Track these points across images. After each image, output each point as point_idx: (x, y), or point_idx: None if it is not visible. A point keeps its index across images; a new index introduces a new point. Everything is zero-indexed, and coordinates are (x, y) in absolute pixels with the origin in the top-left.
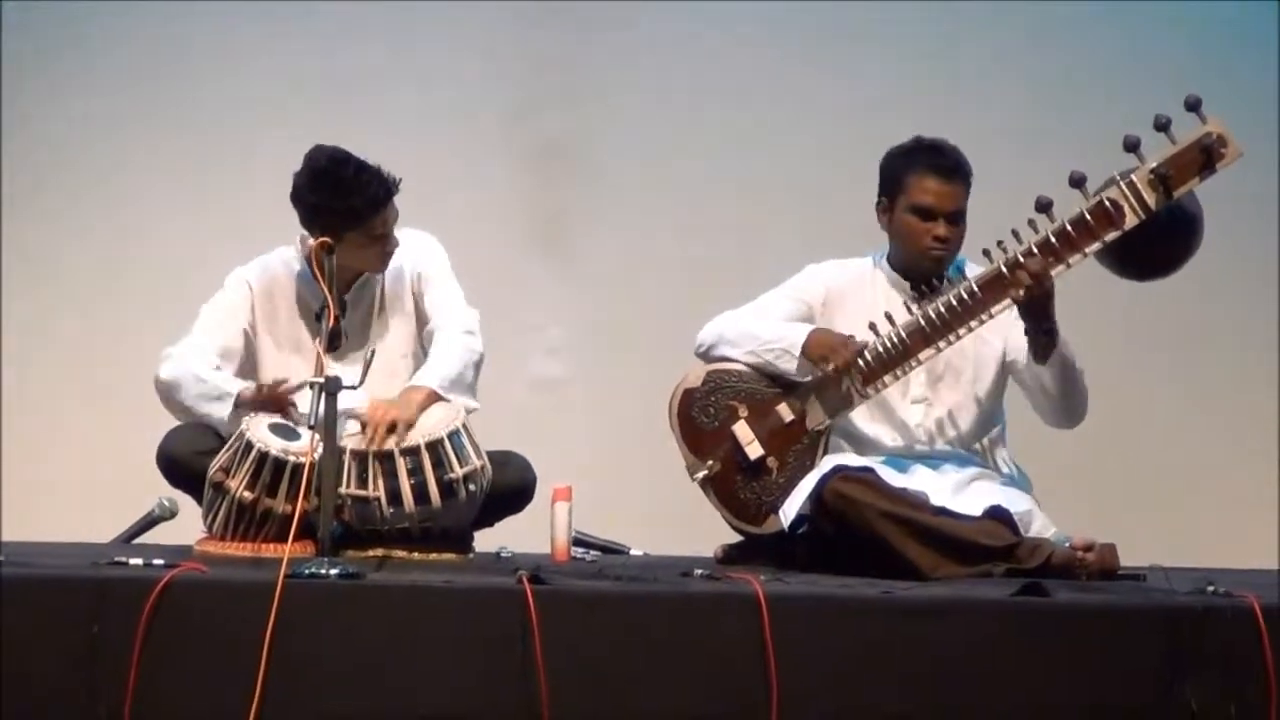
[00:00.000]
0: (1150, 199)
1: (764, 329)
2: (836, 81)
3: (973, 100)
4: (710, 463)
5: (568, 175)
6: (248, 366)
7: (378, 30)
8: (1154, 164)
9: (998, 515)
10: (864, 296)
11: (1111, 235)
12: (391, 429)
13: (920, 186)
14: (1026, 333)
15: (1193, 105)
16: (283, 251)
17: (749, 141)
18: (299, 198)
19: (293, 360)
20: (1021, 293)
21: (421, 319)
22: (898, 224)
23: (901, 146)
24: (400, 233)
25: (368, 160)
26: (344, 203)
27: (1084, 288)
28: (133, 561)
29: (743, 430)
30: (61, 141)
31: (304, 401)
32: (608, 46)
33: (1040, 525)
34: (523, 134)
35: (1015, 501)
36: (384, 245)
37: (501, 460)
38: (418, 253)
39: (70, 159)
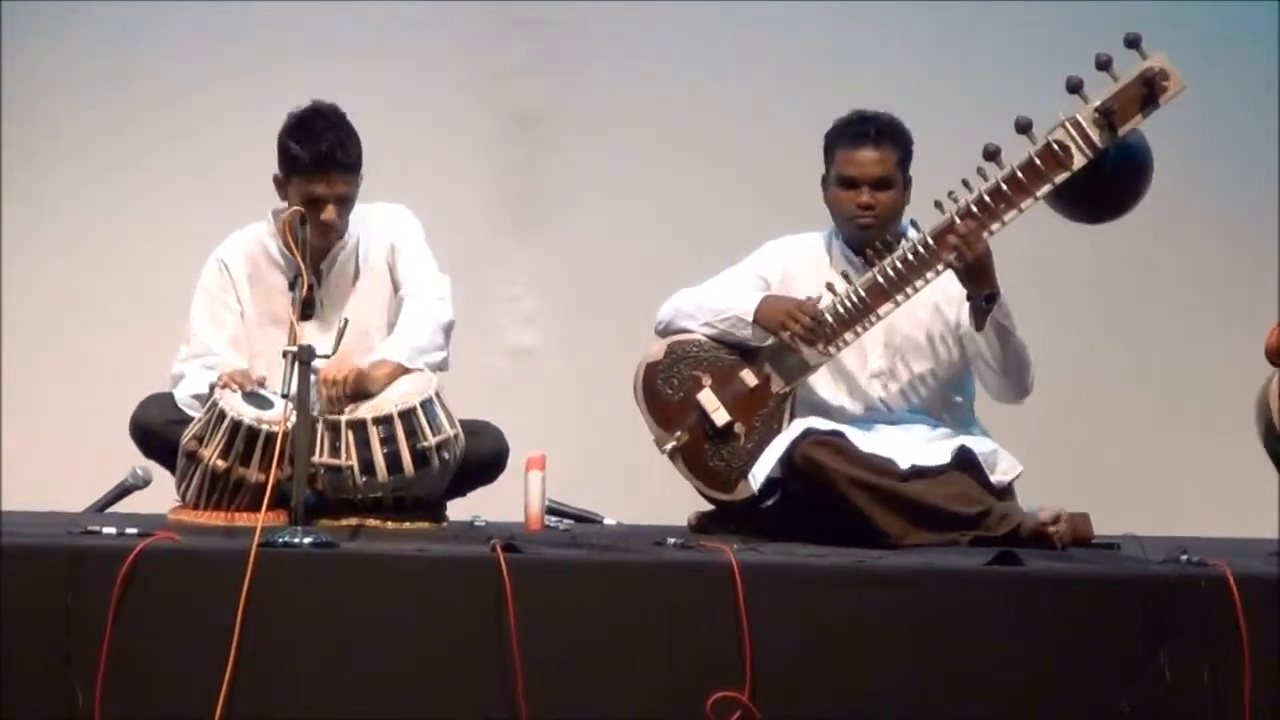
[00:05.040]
0: (1096, 137)
1: (718, 299)
2: (817, 49)
3: (958, 85)
4: (678, 434)
5: (542, 144)
6: None
7: None
8: (1098, 102)
9: (964, 457)
10: (818, 271)
11: (1061, 177)
12: (344, 387)
13: (844, 158)
14: (968, 297)
15: (1132, 42)
16: (255, 227)
17: (727, 110)
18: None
19: (271, 332)
20: (953, 257)
21: (394, 289)
22: (830, 197)
23: (837, 121)
24: (373, 206)
25: (351, 129)
26: (294, 144)
27: (1055, 253)
28: (106, 530)
29: (708, 398)
30: (46, 116)
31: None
32: (583, 13)
33: (1007, 465)
34: (496, 102)
35: (979, 444)
36: (319, 212)
37: (475, 430)
38: (392, 224)
39: (51, 134)
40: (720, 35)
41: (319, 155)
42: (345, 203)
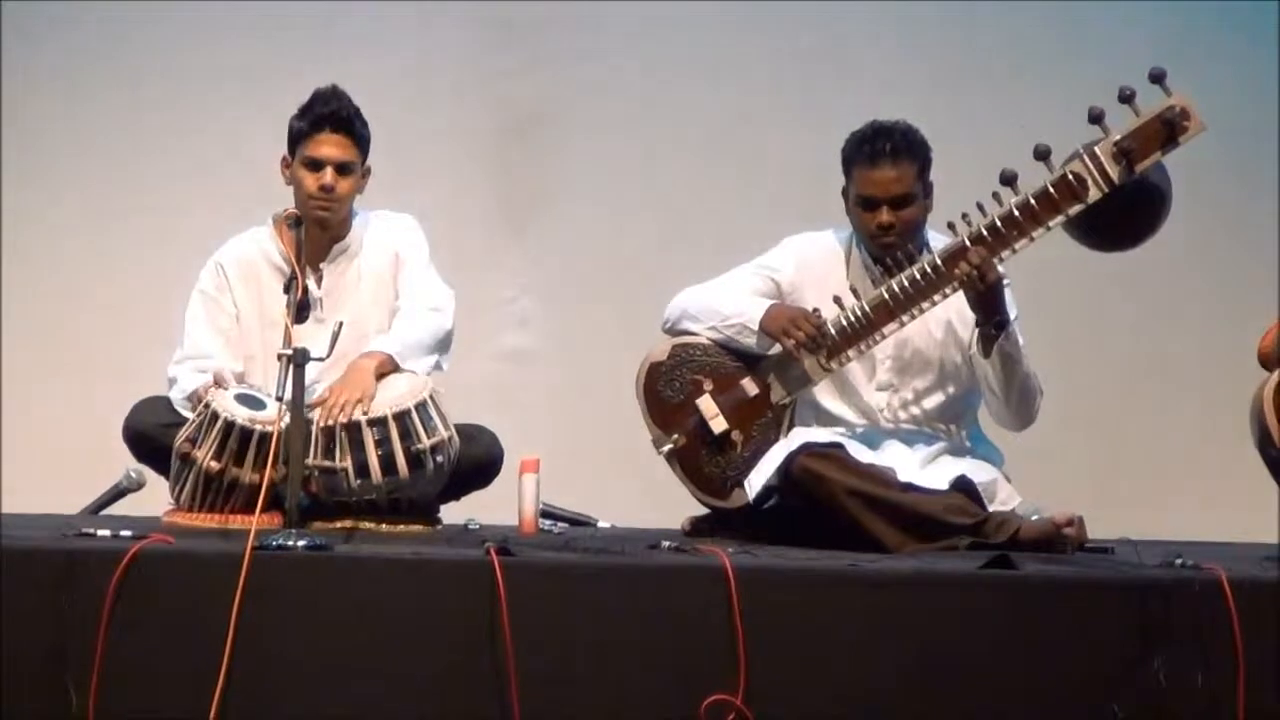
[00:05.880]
0: (1113, 172)
1: (725, 304)
2: (814, 50)
3: (958, 84)
4: (675, 436)
5: (538, 145)
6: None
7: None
8: (1117, 137)
9: (963, 486)
10: (832, 277)
11: (1075, 208)
12: (354, 406)
13: (862, 178)
14: (976, 324)
15: (1156, 77)
16: (255, 231)
17: (724, 113)
18: None
19: (269, 335)
20: (966, 285)
21: (396, 297)
22: (851, 213)
23: (853, 135)
24: (379, 212)
25: (358, 108)
26: (299, 114)
27: (1052, 254)
28: (100, 533)
29: (707, 404)
30: (46, 118)
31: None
32: (579, 16)
33: (1005, 495)
34: (493, 104)
35: (979, 472)
36: (318, 180)
37: (469, 434)
38: (399, 233)
39: (51, 137)
40: (718, 37)
41: (320, 115)
42: (346, 172)
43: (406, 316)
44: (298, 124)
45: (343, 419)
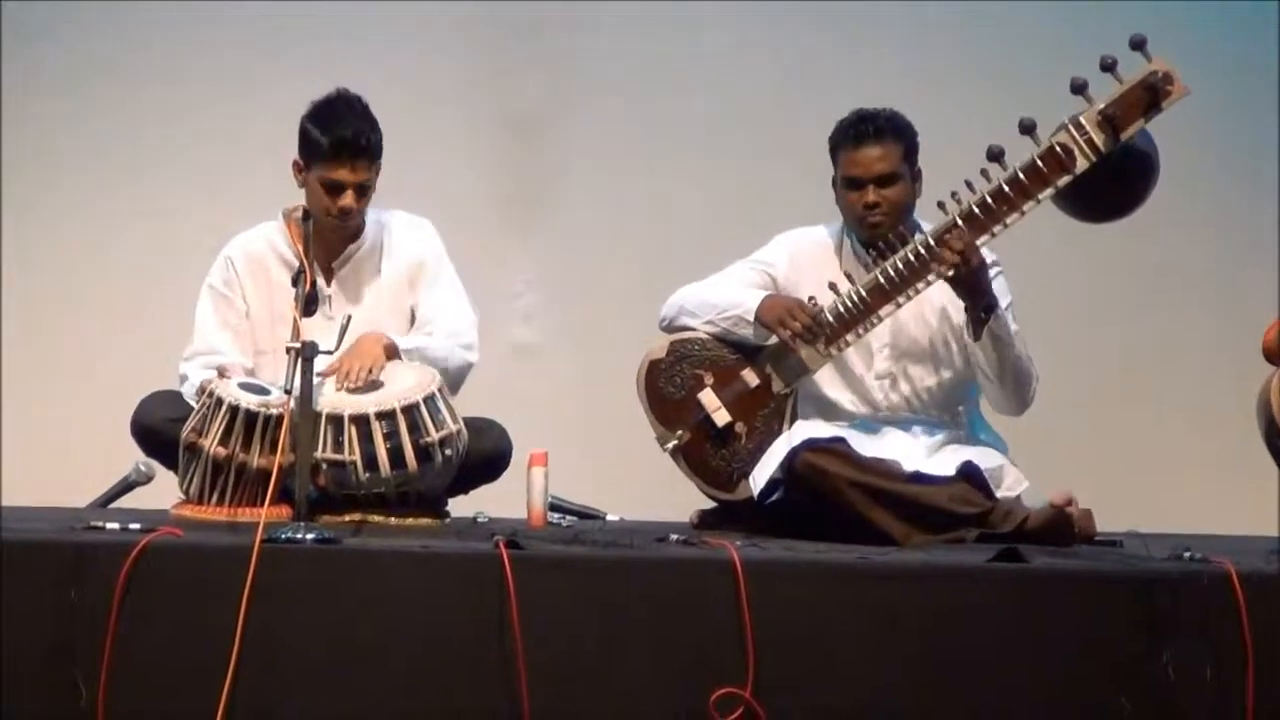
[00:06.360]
0: (1099, 140)
1: (720, 297)
2: (814, 50)
3: (958, 83)
4: (679, 432)
5: (542, 141)
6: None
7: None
8: (1101, 105)
9: (969, 473)
10: (826, 267)
11: (1064, 180)
12: (367, 373)
13: (848, 159)
14: (965, 309)
15: (1137, 44)
16: (264, 226)
17: (725, 110)
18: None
19: (279, 330)
20: (948, 269)
21: (412, 306)
22: (839, 199)
23: (839, 122)
24: (394, 213)
25: (372, 117)
26: (316, 129)
27: (1056, 248)
28: (109, 526)
29: (709, 398)
30: (47, 116)
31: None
32: (581, 14)
33: (1012, 480)
34: (496, 101)
35: (985, 458)
36: (337, 199)
37: (478, 427)
38: (426, 241)
39: (52, 134)
40: (718, 37)
41: (341, 140)
42: (365, 190)
43: (435, 338)
44: (316, 139)
45: (358, 384)
